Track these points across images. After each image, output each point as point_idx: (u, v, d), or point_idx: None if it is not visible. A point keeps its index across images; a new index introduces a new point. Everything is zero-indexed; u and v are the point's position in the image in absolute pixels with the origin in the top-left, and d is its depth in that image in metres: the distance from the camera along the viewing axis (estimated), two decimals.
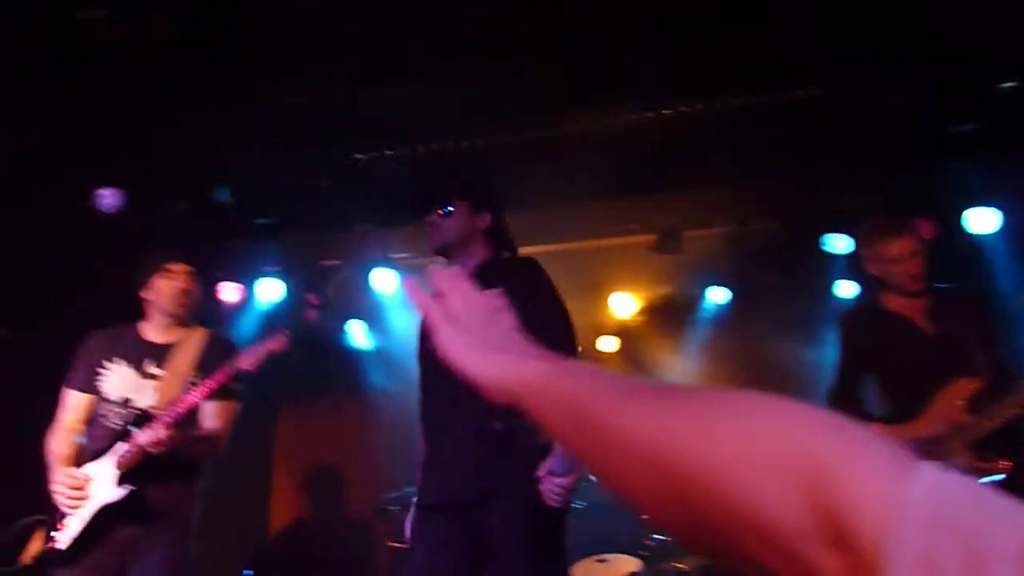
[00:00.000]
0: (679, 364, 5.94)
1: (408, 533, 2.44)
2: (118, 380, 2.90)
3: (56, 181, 4.23)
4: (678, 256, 4.89)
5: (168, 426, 2.64)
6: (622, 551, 4.54)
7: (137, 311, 3.05)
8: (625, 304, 5.76)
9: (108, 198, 4.33)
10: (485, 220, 2.55)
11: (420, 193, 2.57)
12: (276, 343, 2.73)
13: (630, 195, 4.44)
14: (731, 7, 3.28)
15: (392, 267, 5.23)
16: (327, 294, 5.27)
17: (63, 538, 2.68)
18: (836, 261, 5.03)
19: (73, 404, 2.92)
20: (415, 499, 2.49)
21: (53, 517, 2.73)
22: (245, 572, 5.09)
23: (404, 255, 5.29)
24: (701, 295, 5.68)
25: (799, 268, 5.23)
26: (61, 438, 2.86)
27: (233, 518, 5.15)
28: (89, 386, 2.91)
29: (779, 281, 5.24)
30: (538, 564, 2.17)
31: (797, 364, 5.32)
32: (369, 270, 5.22)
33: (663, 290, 5.72)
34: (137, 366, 2.90)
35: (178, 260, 2.98)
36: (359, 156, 4.37)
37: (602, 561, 4.48)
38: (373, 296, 5.39)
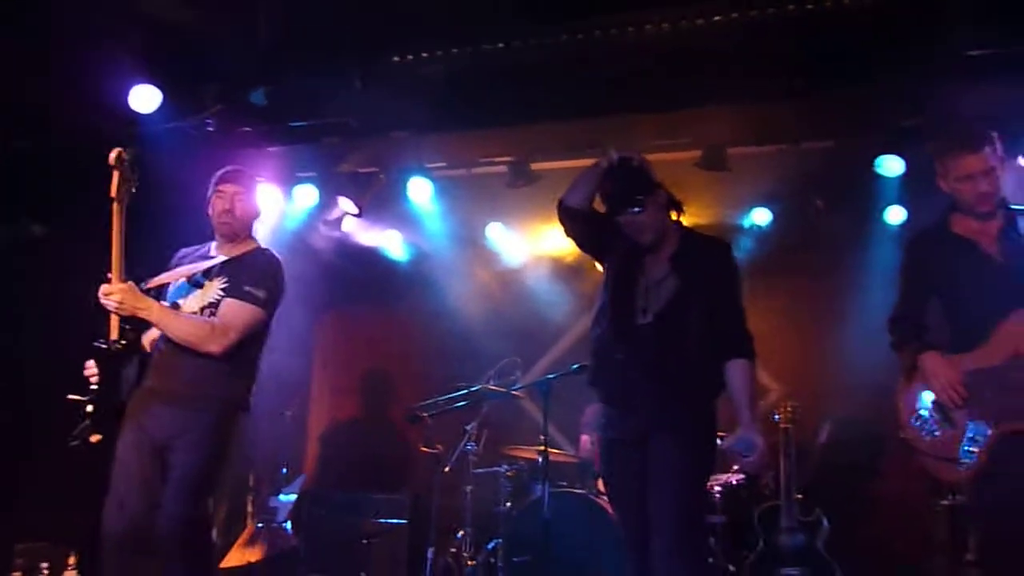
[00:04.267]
0: None
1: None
2: (174, 289, 3.14)
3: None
4: (723, 174, 4.72)
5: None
6: None
7: None
8: None
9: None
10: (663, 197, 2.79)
11: (616, 193, 2.75)
12: None
13: (675, 107, 4.26)
14: None
15: (427, 176, 5.17)
16: (362, 203, 5.23)
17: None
18: (888, 184, 4.84)
19: None
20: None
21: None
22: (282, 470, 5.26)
23: (440, 164, 5.21)
24: (741, 217, 5.53)
25: (849, 191, 5.05)
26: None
27: (275, 423, 5.31)
28: (161, 295, 3.13)
29: (827, 204, 5.05)
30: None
31: (842, 294, 5.21)
32: (405, 179, 5.16)
33: (704, 210, 5.57)
34: (190, 277, 3.12)
35: (227, 181, 3.16)
36: (395, 59, 4.25)
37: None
38: (408, 205, 5.35)
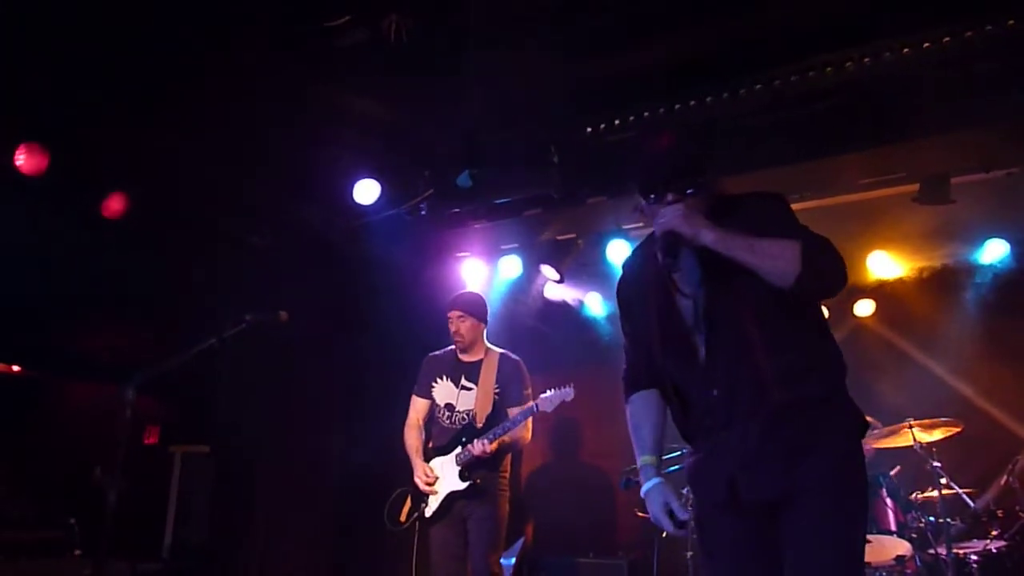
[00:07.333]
0: (947, 331, 5.31)
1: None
2: (443, 391, 4.08)
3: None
4: (945, 207, 4.34)
5: (492, 443, 3.79)
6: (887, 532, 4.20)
7: None
8: (884, 263, 5.25)
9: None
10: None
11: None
12: (568, 396, 3.79)
13: (886, 142, 4.02)
14: None
15: (625, 237, 5.22)
16: (563, 268, 5.37)
17: (428, 510, 3.91)
18: None
19: (417, 407, 4.14)
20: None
21: (417, 491, 3.96)
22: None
23: (636, 225, 5.24)
24: (974, 251, 5.03)
25: None
26: (412, 433, 4.08)
27: None
28: (427, 394, 4.11)
29: None
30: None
31: None
32: (604, 242, 5.24)
33: (928, 246, 5.14)
34: (455, 381, 4.06)
35: (450, 308, 4.10)
36: (588, 129, 4.39)
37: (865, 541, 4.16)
38: (608, 267, 5.41)
